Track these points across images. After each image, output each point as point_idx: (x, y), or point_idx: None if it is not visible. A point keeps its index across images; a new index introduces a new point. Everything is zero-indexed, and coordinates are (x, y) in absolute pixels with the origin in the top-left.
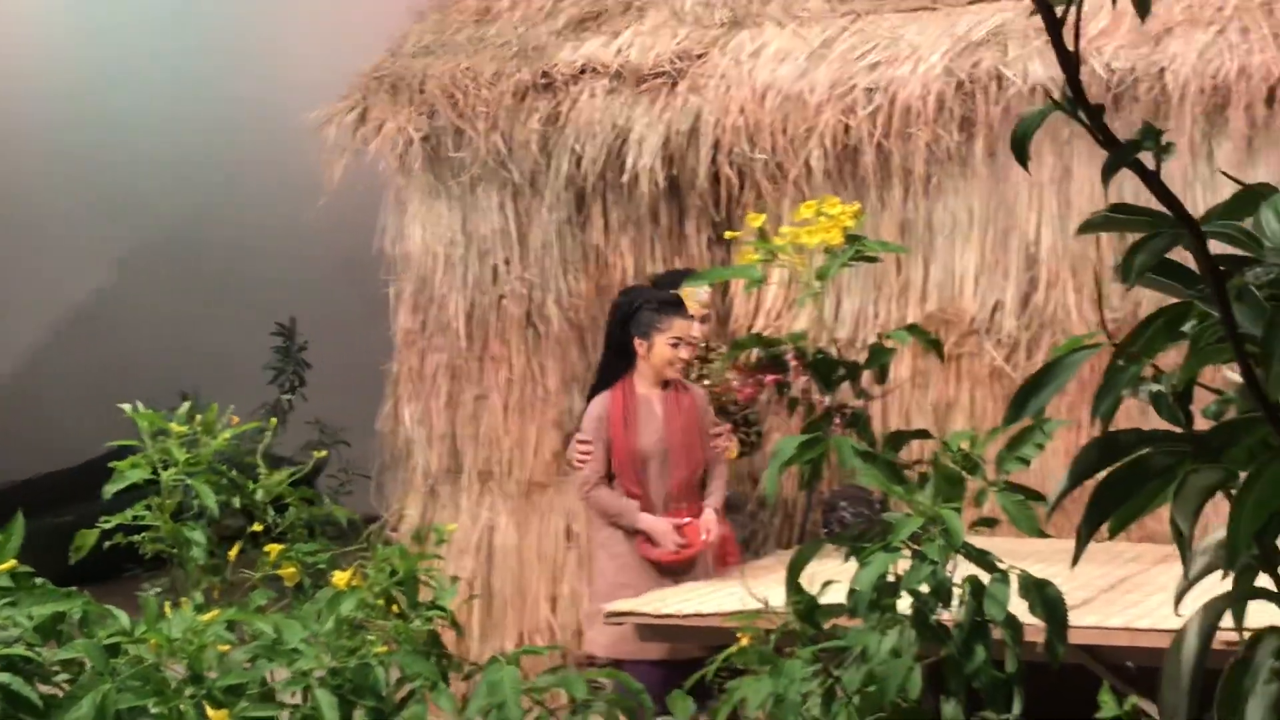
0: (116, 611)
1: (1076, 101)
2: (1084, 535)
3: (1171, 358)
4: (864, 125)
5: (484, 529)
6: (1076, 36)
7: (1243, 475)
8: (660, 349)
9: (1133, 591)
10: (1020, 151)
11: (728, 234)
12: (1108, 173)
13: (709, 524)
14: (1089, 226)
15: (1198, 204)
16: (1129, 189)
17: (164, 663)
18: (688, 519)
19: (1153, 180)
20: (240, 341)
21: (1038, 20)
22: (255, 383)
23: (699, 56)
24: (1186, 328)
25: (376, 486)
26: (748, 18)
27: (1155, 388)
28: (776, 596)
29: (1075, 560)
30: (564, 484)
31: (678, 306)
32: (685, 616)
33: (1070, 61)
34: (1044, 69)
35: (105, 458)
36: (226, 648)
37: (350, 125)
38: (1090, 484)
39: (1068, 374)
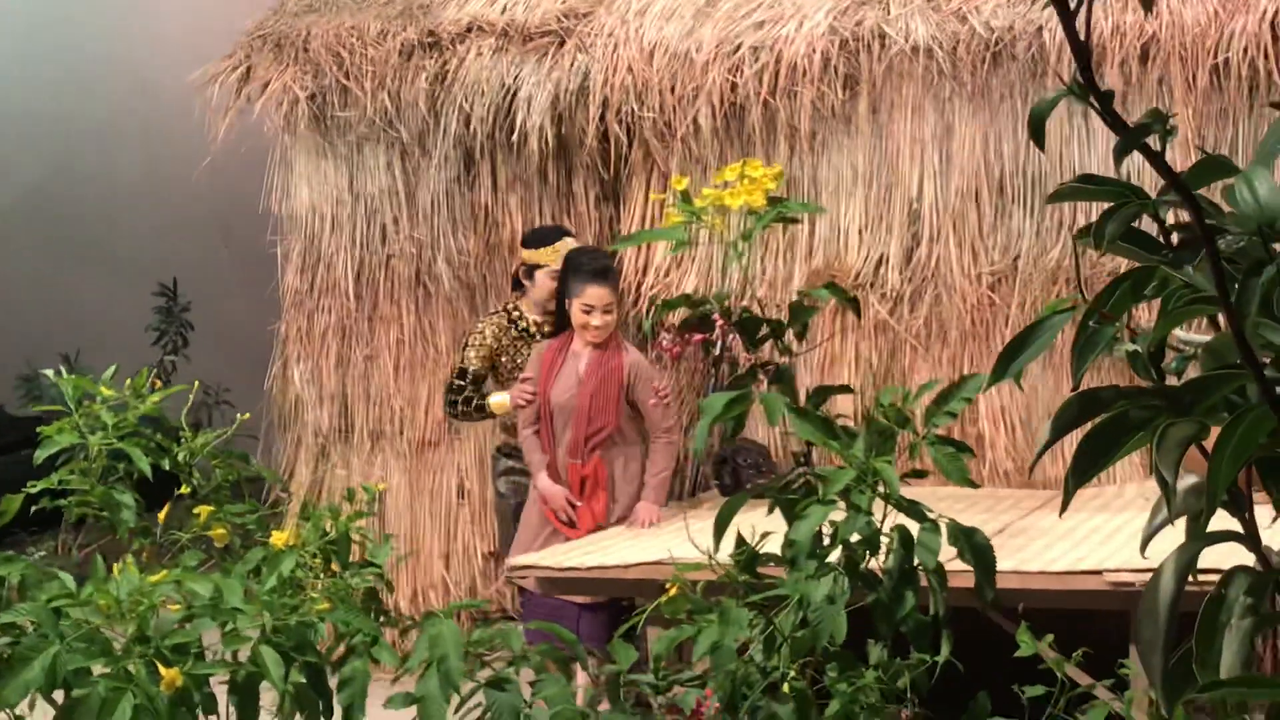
0: (63, 575)
1: (1088, 88)
2: (1071, 486)
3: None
4: (750, 83)
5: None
6: (1088, 27)
7: (1215, 430)
8: (575, 314)
9: (1017, 536)
10: (1038, 134)
11: (654, 195)
12: (1120, 155)
13: (646, 516)
14: (1059, 196)
15: (1076, 159)
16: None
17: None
18: (578, 503)
19: (1158, 161)
20: (120, 303)
21: None
22: (137, 344)
23: (585, 15)
24: (1148, 290)
25: (264, 448)
26: None
27: (1131, 346)
28: (681, 548)
29: (1064, 508)
30: (456, 441)
31: (592, 275)
32: (588, 569)
33: (1083, 50)
34: (925, 28)
35: None
36: (176, 607)
37: (234, 84)
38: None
39: (1049, 335)
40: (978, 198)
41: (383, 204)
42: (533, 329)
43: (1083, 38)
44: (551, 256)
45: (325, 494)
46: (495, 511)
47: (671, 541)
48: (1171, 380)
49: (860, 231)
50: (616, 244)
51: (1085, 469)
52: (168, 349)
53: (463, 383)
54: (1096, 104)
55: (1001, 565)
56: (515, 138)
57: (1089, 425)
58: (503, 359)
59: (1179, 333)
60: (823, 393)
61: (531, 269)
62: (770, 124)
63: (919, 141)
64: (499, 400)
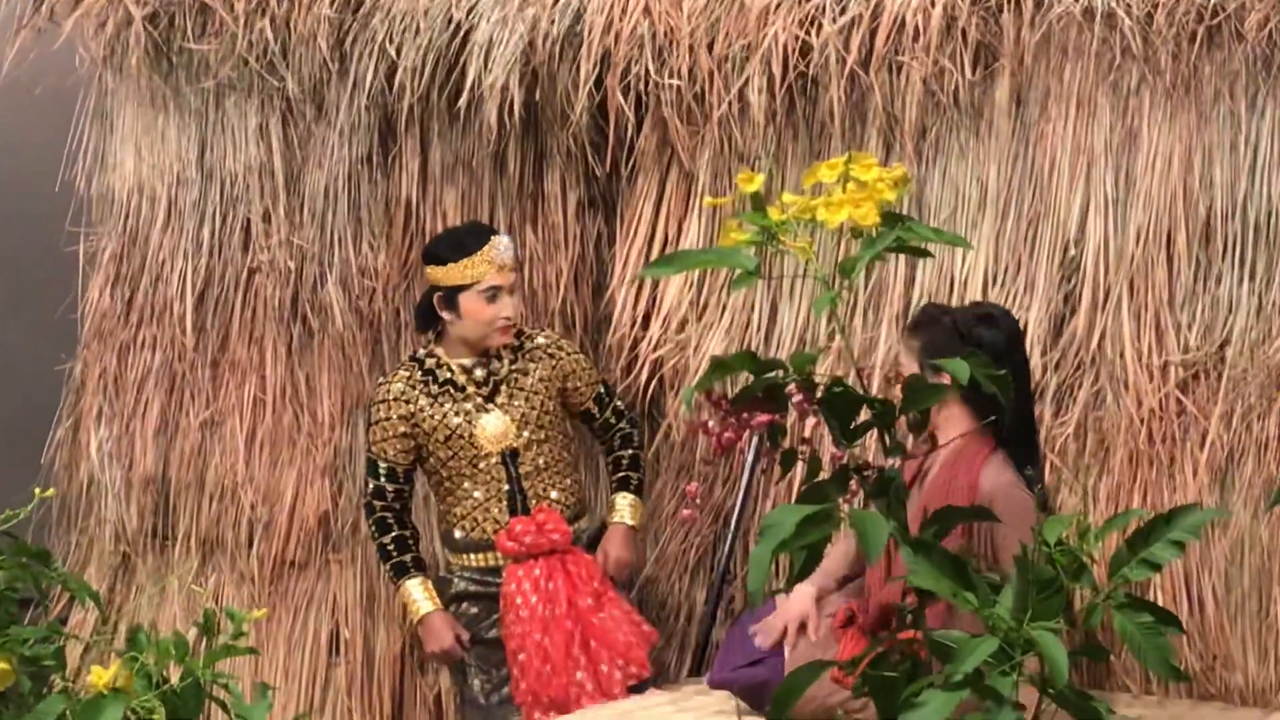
0: None
1: None
2: None
3: None
4: (832, 45)
5: None
6: None
7: None
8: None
9: None
10: None
11: (708, 200)
12: None
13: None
14: None
15: None
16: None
17: None
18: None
19: None
20: None
21: None
22: None
23: None
24: None
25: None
26: None
27: None
28: None
29: None
30: (334, 567)
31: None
32: None
33: None
34: None
35: None
36: None
37: None
38: None
39: None
40: (1170, 246)
41: (249, 189)
42: (461, 379)
43: None
44: (481, 270)
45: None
46: (441, 660)
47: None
48: None
49: (986, 283)
50: (645, 271)
51: None
52: None
53: (375, 486)
54: None
55: None
56: (463, 103)
57: None
58: (426, 432)
59: None
60: (949, 517)
61: (452, 294)
62: (857, 110)
63: (1084, 153)
64: (419, 607)
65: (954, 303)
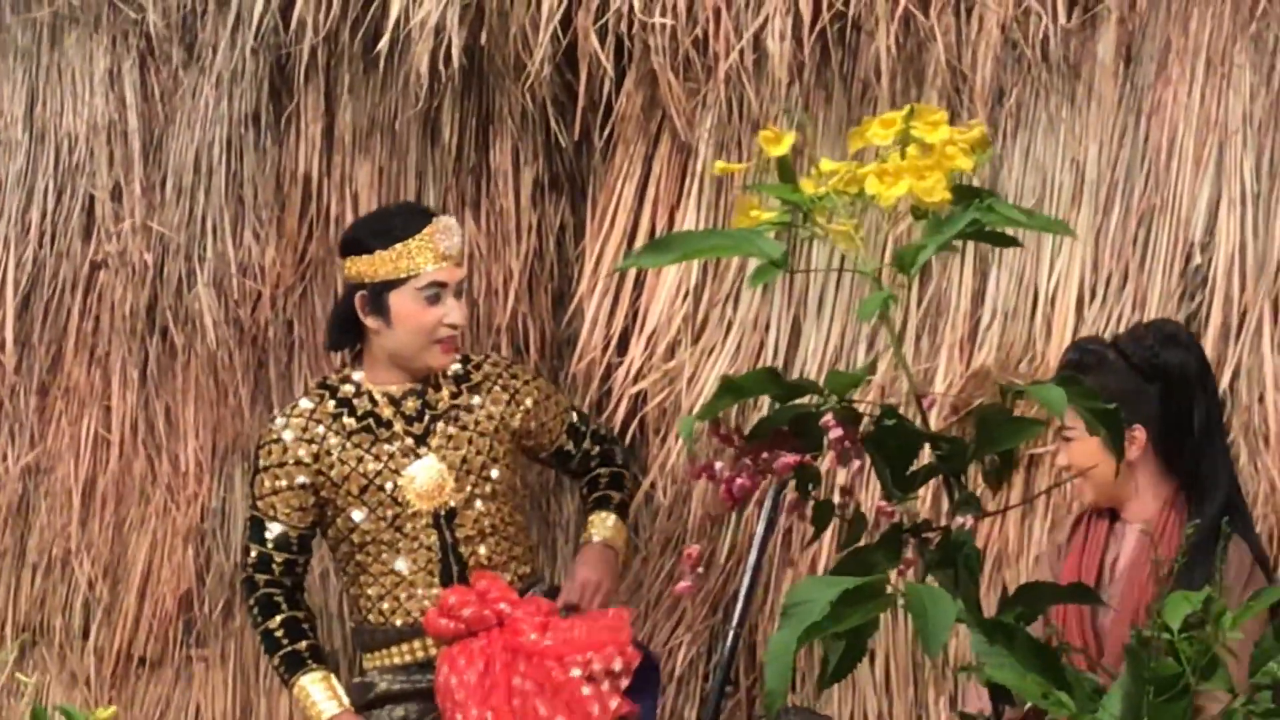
0: None
1: None
2: None
3: None
4: None
5: None
6: None
7: None
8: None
9: None
10: None
11: (719, 166)
12: None
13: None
14: None
15: None
16: None
17: None
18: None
19: None
20: None
21: None
22: None
23: None
24: None
25: None
26: None
27: None
28: None
29: None
30: (199, 665)
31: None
32: None
33: None
34: None
35: None
36: None
37: None
38: None
39: None
40: None
41: (94, 157)
42: (387, 412)
43: None
44: (420, 260)
45: None
46: None
47: None
48: None
49: (1081, 299)
50: (627, 261)
51: None
52: None
53: (259, 555)
54: None
55: None
56: (383, 47)
57: None
58: (335, 484)
59: None
60: (1041, 596)
61: (379, 293)
62: (912, 65)
63: (1215, 129)
64: (321, 710)
65: (1038, 325)
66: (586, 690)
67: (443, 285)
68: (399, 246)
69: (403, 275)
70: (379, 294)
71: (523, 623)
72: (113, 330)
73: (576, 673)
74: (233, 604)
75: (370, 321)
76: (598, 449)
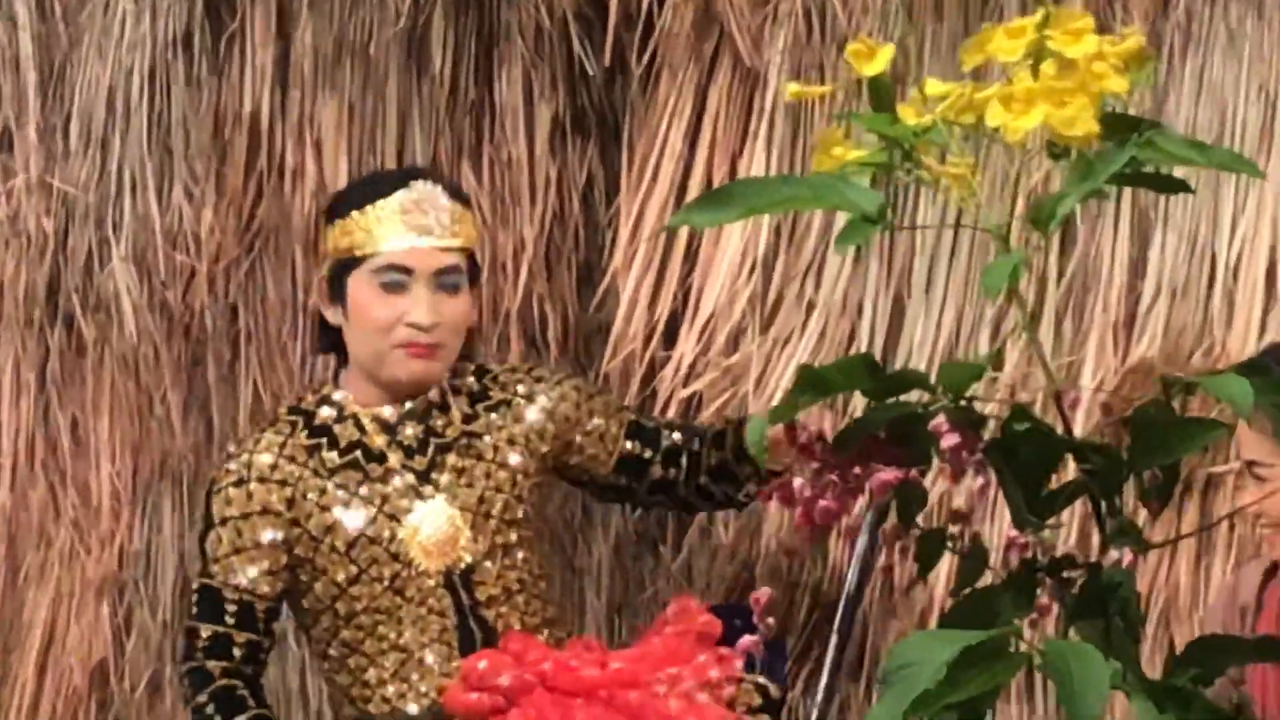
0: None
1: None
2: None
3: None
4: None
5: None
6: None
7: None
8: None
9: None
10: None
11: (792, 90)
12: None
13: None
14: None
15: None
16: None
17: None
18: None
19: None
20: None
21: None
22: None
23: None
24: None
25: None
26: None
27: None
28: None
29: None
30: None
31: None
32: None
33: None
34: None
35: None
36: None
37: None
38: None
39: None
40: None
41: None
42: (377, 442)
43: None
44: (375, 235)
45: None
46: None
47: None
48: None
49: (1274, 265)
50: (677, 219)
51: None
52: None
53: (214, 635)
54: None
55: None
56: None
57: None
58: (314, 538)
59: None
60: (1218, 654)
61: (338, 276)
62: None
63: None
64: None
65: (1216, 305)
66: (675, 704)
67: (406, 272)
68: (355, 215)
69: (356, 253)
70: (337, 278)
71: (574, 660)
72: (1, 320)
73: (661, 690)
74: (161, 678)
75: (329, 314)
76: (677, 436)
